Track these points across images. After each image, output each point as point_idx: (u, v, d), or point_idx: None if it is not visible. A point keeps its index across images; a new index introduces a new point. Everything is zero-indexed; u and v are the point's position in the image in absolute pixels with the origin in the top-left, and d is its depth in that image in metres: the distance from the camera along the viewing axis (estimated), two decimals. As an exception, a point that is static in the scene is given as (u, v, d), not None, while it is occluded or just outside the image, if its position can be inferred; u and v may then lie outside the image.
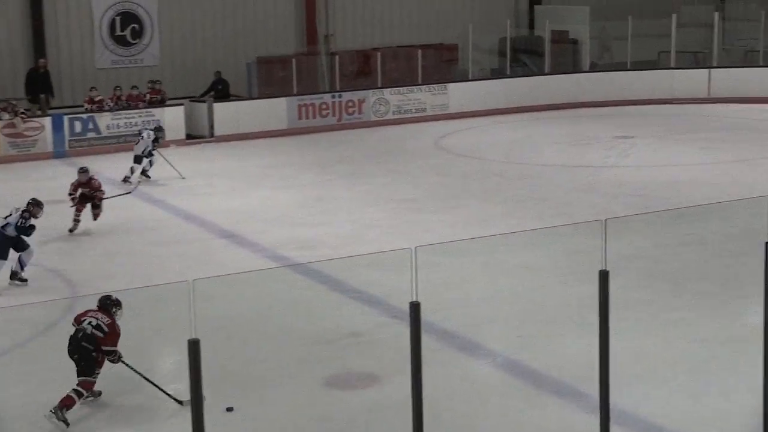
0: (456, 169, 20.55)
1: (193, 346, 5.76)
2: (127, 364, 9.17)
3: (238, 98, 26.21)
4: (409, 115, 26.58)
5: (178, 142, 23.66)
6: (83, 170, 15.83)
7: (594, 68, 30.21)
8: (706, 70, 28.78)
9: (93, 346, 9.01)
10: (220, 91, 25.98)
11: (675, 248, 13.96)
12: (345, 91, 26.27)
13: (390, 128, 25.72)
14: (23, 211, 13.16)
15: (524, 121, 26.22)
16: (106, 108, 23.77)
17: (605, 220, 6.38)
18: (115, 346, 9.07)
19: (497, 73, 29.57)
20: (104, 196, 15.86)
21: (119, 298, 9.32)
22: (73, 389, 8.93)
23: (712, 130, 24.15)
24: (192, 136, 24.28)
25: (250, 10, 28.16)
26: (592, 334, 6.70)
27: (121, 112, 23.71)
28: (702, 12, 31.51)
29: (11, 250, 13.01)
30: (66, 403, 8.82)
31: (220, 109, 24.86)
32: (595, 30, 30.65)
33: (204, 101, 25.13)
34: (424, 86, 27.00)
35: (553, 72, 29.11)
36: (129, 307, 9.46)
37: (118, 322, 9.15)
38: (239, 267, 12.97)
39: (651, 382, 9.43)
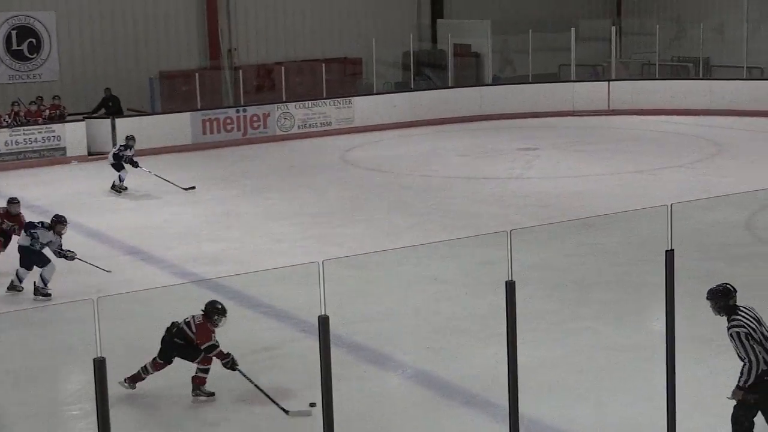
0: (362, 182, 20.60)
1: (99, 365, 5.67)
2: (242, 373, 9.48)
3: (141, 113, 25.91)
4: (315, 129, 26.56)
5: (80, 158, 23.31)
6: (14, 201, 14.48)
7: (496, 81, 30.59)
8: (605, 83, 29.35)
9: (183, 341, 9.51)
10: (111, 107, 25.61)
11: (579, 258, 14.19)
12: (249, 105, 26.15)
13: (295, 142, 25.66)
14: (52, 230, 13.19)
15: (429, 134, 26.39)
16: (4, 124, 23.29)
17: (510, 231, 6.45)
18: (210, 340, 9.45)
19: (401, 87, 29.74)
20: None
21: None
22: (197, 369, 9.54)
23: (612, 141, 24.63)
24: (94, 152, 23.89)
25: (151, 25, 27.90)
26: (501, 344, 6.76)
27: (19, 128, 23.25)
28: (600, 26, 32.16)
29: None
30: (199, 382, 9.54)
31: (123, 124, 24.52)
32: (497, 44, 31.05)
33: (108, 117, 24.77)
34: (329, 100, 27.01)
35: (457, 85, 29.38)
36: (32, 326, 9.28)
37: (217, 328, 9.50)
38: (145, 284, 12.81)
39: (558, 390, 9.56)
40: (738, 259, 13.92)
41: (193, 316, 9.57)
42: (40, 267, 13.08)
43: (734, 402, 7.63)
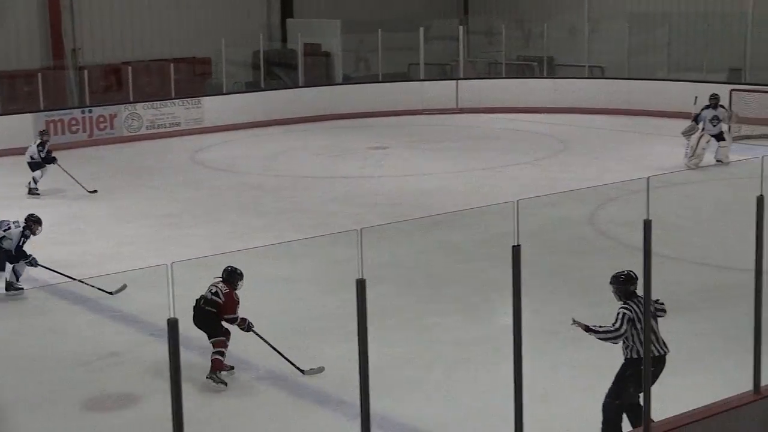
0: (213, 183, 20.41)
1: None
2: (257, 334, 9.86)
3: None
4: (164, 130, 26.18)
5: None
6: None
7: (347, 80, 30.73)
8: (453, 82, 29.81)
9: (215, 308, 9.73)
10: None
11: (430, 255, 14.37)
12: (95, 106, 25.60)
13: (144, 143, 25.25)
14: (24, 229, 12.86)
15: (280, 133, 26.34)
16: None
17: (361, 229, 6.49)
18: (235, 313, 9.77)
19: (252, 87, 29.58)
20: None
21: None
22: (213, 352, 9.69)
23: (460, 139, 25.02)
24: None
25: (-10, 24, 27.06)
26: (353, 343, 6.79)
27: None
28: (448, 26, 32.63)
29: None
30: (216, 367, 9.67)
31: (-38, 126, 23.72)
32: (348, 43, 31.17)
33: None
34: (178, 100, 26.66)
35: (307, 84, 29.39)
36: None
37: (238, 292, 9.80)
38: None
39: (410, 386, 9.67)
40: (582, 253, 14.35)
41: (215, 285, 9.81)
42: (14, 262, 12.83)
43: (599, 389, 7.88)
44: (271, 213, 17.39)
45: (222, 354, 9.76)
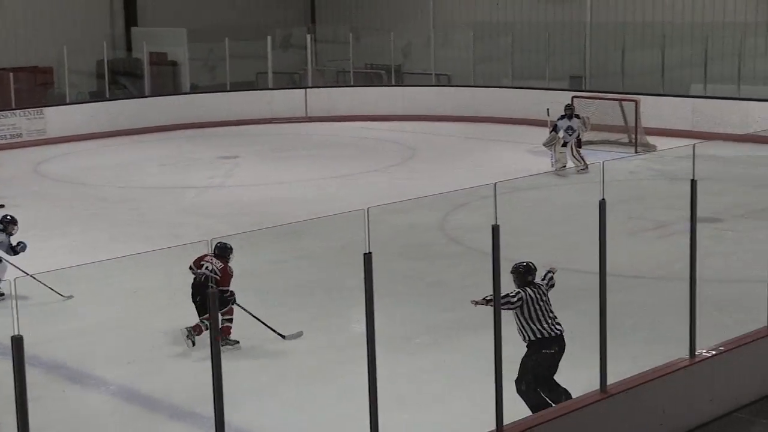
0: (58, 195, 19.90)
1: None
2: (240, 306, 10.53)
3: None
4: (4, 141, 25.37)
5: None
6: None
7: (194, 90, 30.40)
8: (302, 91, 29.82)
9: (216, 284, 10.24)
10: None
11: (282, 264, 14.31)
12: (-70, 117, 24.68)
13: (-17, 155, 24.44)
14: (3, 230, 12.97)
15: (127, 144, 25.86)
16: None
17: (211, 240, 6.43)
18: (228, 285, 10.46)
19: (96, 96, 28.96)
20: None
21: None
22: (223, 320, 10.41)
23: (310, 147, 25.04)
24: None
25: None
26: (205, 354, 6.72)
27: None
28: (296, 34, 32.64)
29: None
30: (226, 332, 10.48)
31: None
32: (197, 51, 30.81)
33: None
34: (19, 111, 25.90)
35: (154, 94, 28.98)
36: None
37: (230, 264, 10.55)
38: None
39: (264, 396, 9.61)
40: (433, 259, 14.53)
41: (209, 262, 10.43)
42: None
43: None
44: (119, 225, 17.05)
45: (231, 320, 10.57)
